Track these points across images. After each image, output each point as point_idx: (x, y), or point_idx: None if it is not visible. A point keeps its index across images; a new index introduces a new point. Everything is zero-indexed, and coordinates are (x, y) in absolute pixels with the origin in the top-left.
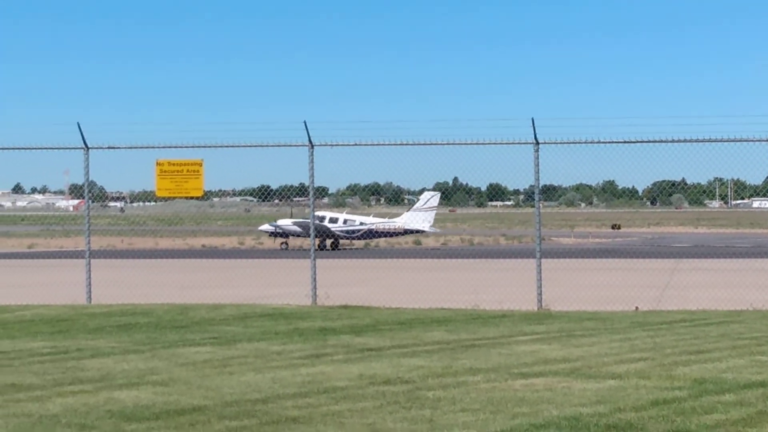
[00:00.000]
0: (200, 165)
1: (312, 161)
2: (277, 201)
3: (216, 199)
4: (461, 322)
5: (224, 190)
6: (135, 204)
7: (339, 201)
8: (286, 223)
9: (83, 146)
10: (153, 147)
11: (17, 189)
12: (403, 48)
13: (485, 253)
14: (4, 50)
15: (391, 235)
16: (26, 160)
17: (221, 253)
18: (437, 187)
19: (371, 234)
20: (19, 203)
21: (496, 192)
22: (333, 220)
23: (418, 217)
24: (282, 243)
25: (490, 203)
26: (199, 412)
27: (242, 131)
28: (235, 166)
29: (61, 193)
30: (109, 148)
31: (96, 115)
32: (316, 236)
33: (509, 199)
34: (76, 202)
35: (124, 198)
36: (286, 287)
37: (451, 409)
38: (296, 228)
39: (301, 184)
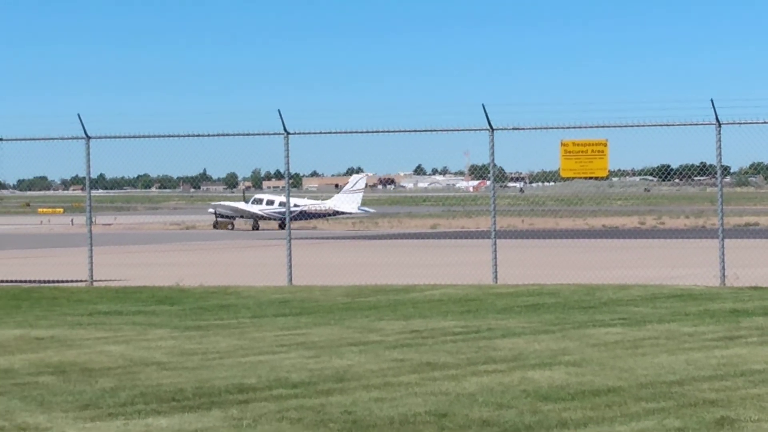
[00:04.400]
0: (605, 145)
1: (719, 140)
2: (677, 180)
3: (615, 179)
4: None
5: (623, 170)
6: (534, 184)
7: (741, 180)
8: (219, 205)
9: (488, 127)
10: (557, 127)
11: (418, 170)
12: None
13: None
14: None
15: (322, 217)
16: (428, 142)
17: (622, 233)
18: None
19: (305, 215)
20: (420, 184)
21: None
22: (270, 203)
23: (347, 199)
24: (228, 225)
25: None
26: (614, 394)
27: (644, 110)
28: (636, 145)
29: (461, 174)
30: (513, 129)
31: (500, 96)
32: (250, 218)
33: None
34: (475, 182)
35: (523, 178)
36: (692, 267)
37: None
38: (226, 211)
39: (702, 162)
